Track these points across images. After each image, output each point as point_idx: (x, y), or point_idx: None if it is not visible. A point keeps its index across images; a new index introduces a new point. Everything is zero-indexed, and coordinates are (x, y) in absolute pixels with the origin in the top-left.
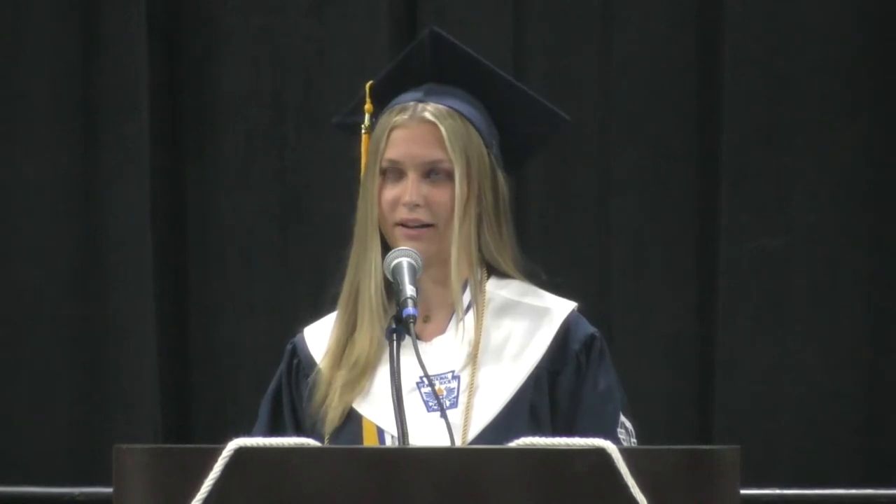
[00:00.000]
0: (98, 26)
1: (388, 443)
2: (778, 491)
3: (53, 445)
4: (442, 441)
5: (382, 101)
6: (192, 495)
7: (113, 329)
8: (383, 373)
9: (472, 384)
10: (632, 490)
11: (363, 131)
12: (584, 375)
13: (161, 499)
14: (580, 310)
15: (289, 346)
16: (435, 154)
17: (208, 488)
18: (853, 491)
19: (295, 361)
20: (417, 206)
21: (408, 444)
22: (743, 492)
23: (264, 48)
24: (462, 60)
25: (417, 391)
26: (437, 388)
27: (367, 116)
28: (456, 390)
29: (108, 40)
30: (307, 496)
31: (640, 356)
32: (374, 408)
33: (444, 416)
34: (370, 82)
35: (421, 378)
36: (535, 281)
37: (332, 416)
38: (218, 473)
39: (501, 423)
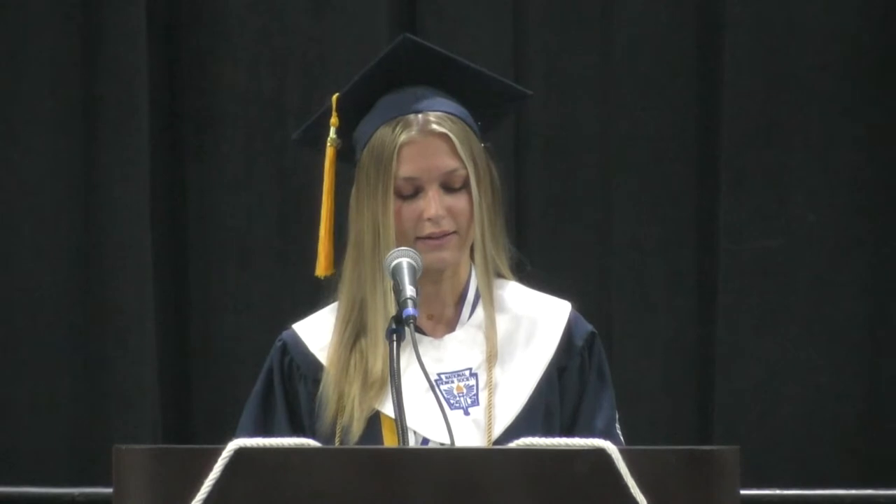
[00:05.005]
0: (98, 26)
1: (412, 440)
2: (778, 491)
3: (53, 445)
4: (470, 439)
5: (353, 112)
6: (192, 496)
7: (113, 329)
8: (403, 376)
9: (490, 382)
10: (632, 490)
11: (329, 145)
12: (587, 371)
13: (161, 499)
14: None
15: (278, 343)
16: (450, 164)
17: (208, 488)
18: (853, 491)
19: (287, 359)
20: (442, 217)
21: (408, 444)
22: (743, 492)
23: (264, 48)
24: (435, 61)
25: (437, 389)
26: (456, 385)
27: (332, 130)
28: (475, 388)
29: (108, 40)
30: (307, 496)
31: (640, 356)
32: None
33: (445, 417)
34: (336, 95)
35: (439, 375)
36: (521, 278)
37: (356, 428)
38: (218, 474)
39: (524, 420)
